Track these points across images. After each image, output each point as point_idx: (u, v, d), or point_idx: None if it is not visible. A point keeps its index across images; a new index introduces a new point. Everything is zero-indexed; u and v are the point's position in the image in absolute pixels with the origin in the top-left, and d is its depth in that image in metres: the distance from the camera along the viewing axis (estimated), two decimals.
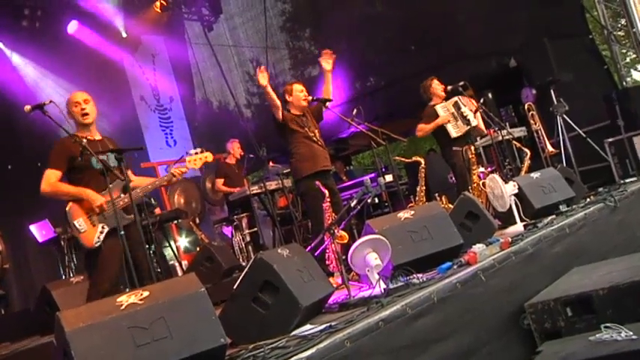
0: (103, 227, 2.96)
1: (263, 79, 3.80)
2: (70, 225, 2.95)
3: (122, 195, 3.02)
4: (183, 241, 7.40)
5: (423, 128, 4.90)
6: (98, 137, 3.16)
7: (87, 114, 3.06)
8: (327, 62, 4.04)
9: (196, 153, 3.25)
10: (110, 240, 2.94)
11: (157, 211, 5.13)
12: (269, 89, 3.85)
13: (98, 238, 2.94)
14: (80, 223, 2.95)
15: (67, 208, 2.97)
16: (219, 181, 5.87)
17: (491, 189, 3.77)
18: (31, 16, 6.84)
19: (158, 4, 8.00)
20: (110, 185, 2.93)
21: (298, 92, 4.07)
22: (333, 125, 6.94)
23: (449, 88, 4.95)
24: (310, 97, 4.08)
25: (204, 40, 8.95)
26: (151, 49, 8.57)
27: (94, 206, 2.94)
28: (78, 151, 2.96)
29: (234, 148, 5.97)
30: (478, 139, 5.46)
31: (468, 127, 4.81)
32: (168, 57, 8.85)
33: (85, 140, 2.95)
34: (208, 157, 3.29)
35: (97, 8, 7.28)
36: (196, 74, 9.17)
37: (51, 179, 2.97)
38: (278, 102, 3.94)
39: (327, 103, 4.09)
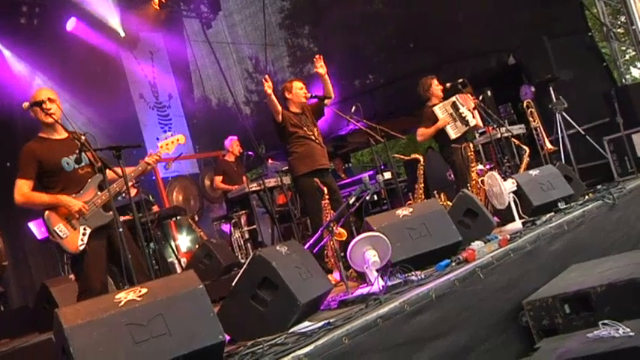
0: (85, 229, 2.86)
1: (269, 88, 3.88)
2: (50, 232, 2.84)
3: (99, 193, 2.92)
4: (184, 240, 7.40)
5: (424, 133, 4.90)
6: (64, 135, 2.98)
7: (52, 113, 2.90)
8: (321, 67, 4.05)
9: (166, 138, 3.16)
10: (94, 241, 2.87)
11: (155, 208, 5.13)
12: (272, 97, 3.93)
13: (82, 241, 2.84)
14: (61, 228, 2.84)
15: (44, 216, 2.86)
16: (218, 179, 5.87)
17: (489, 186, 3.77)
18: (29, 13, 6.81)
19: (157, 1, 7.97)
20: (89, 181, 2.86)
21: (298, 89, 4.10)
22: (332, 122, 6.94)
23: (448, 85, 4.94)
24: (310, 94, 4.09)
25: (202, 38, 8.92)
26: (149, 47, 8.53)
27: (72, 212, 2.83)
28: (46, 154, 2.86)
29: (233, 146, 5.97)
30: (477, 135, 5.46)
31: (467, 127, 4.81)
32: (167, 54, 8.81)
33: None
34: (180, 139, 3.19)
35: (95, 5, 7.26)
36: (195, 71, 9.15)
37: (23, 189, 2.86)
38: (279, 107, 4.01)
39: (327, 100, 4.10)
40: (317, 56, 4.10)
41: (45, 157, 2.88)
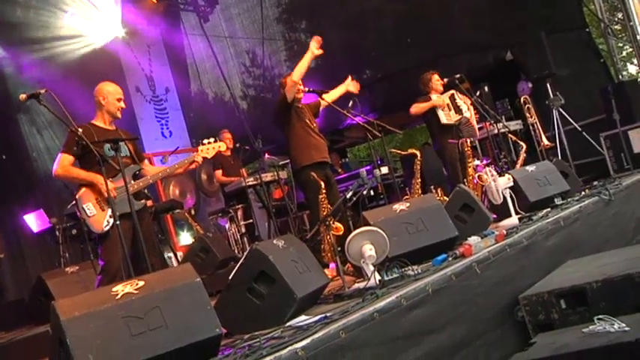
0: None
1: (317, 49, 3.81)
2: (79, 208, 3.03)
3: (132, 182, 3.13)
4: (180, 233, 7.40)
5: (417, 105, 4.89)
6: (112, 127, 3.28)
7: (122, 110, 3.24)
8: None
9: (209, 142, 3.31)
10: (119, 224, 2.97)
11: (149, 203, 5.10)
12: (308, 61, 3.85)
13: (107, 222, 3.02)
14: (89, 207, 3.03)
15: (77, 194, 3.07)
16: (218, 173, 5.84)
17: (486, 182, 3.77)
18: (25, 4, 6.76)
19: None
20: (127, 170, 3.04)
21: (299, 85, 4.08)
22: (329, 117, 6.92)
23: (445, 80, 4.95)
24: (307, 89, 4.09)
25: (200, 31, 8.87)
26: (146, 40, 8.48)
27: (103, 191, 3.00)
28: (91, 139, 3.05)
29: (225, 139, 5.94)
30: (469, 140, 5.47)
31: (460, 116, 4.81)
32: (164, 47, 8.76)
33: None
34: (222, 146, 3.38)
35: None
36: (192, 65, 9.11)
37: (64, 163, 3.09)
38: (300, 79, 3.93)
39: (323, 103, 4.10)
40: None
41: (91, 140, 3.05)
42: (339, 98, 4.28)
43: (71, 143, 3.08)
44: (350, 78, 4.25)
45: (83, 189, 3.08)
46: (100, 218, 3.03)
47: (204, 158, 3.34)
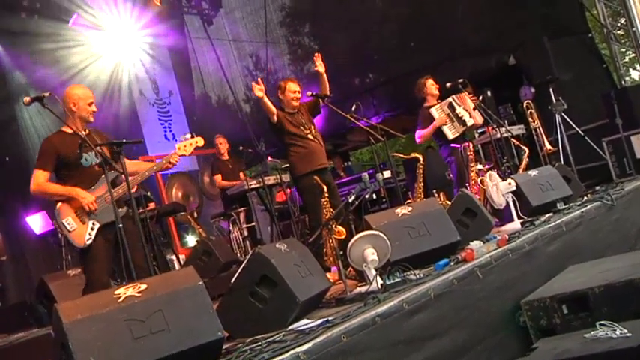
0: (93, 224, 2.95)
1: (259, 91, 3.87)
2: (59, 224, 2.94)
3: (113, 189, 2.98)
4: (183, 236, 7.43)
5: (423, 135, 4.91)
6: (87, 132, 3.12)
7: (94, 114, 3.08)
8: (320, 65, 4.09)
9: (186, 139, 3.20)
10: (102, 236, 2.95)
11: (152, 205, 5.13)
12: (265, 99, 3.93)
13: (89, 235, 2.93)
14: (69, 221, 2.93)
15: (56, 208, 2.97)
16: (218, 178, 5.87)
17: (489, 186, 3.78)
18: (30, 8, 6.82)
19: None
20: (102, 178, 2.93)
21: (290, 92, 4.10)
22: (331, 121, 6.95)
23: (448, 85, 4.94)
24: (309, 93, 4.11)
25: (203, 34, 8.93)
26: (150, 43, 8.56)
27: (84, 205, 2.92)
28: (66, 148, 2.95)
29: (219, 144, 5.97)
30: (477, 135, 5.46)
31: (464, 127, 4.82)
32: (168, 51, 8.83)
33: (83, 133, 2.96)
34: (199, 141, 3.23)
35: (96, 1, 7.26)
36: (195, 68, 9.17)
37: (39, 180, 2.97)
38: (273, 108, 4.02)
39: (325, 99, 4.11)
40: (316, 55, 4.13)
41: (65, 151, 2.98)
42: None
43: (46, 158, 2.96)
44: (315, 55, 4.21)
45: (60, 204, 2.96)
46: (81, 232, 2.93)
47: (181, 156, 3.19)
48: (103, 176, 2.97)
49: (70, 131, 3.02)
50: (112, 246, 2.92)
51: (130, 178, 2.93)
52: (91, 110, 3.07)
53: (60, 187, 2.98)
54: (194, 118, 8.98)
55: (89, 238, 2.93)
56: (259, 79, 3.99)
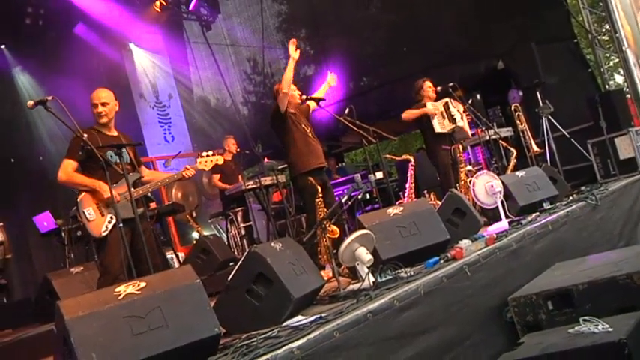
0: (111, 218, 3.09)
1: (296, 53, 3.94)
2: (79, 213, 3.08)
3: (132, 189, 3.14)
4: (182, 235, 7.47)
5: (409, 112, 4.95)
6: (115, 134, 3.31)
7: (102, 115, 3.22)
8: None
9: (207, 155, 3.41)
10: (118, 230, 3.02)
11: (153, 205, 5.17)
12: (294, 64, 3.96)
13: (106, 227, 3.08)
14: (90, 212, 3.09)
15: (79, 198, 3.11)
16: (216, 177, 5.91)
17: (477, 186, 3.85)
18: (34, 14, 6.85)
19: (158, 3, 8.05)
20: (127, 177, 3.07)
21: (292, 91, 4.15)
22: (326, 123, 7.02)
23: (439, 88, 5.04)
24: (303, 96, 4.16)
25: (202, 40, 9.05)
26: (150, 48, 8.63)
27: (105, 198, 3.06)
28: (96, 144, 3.09)
29: (229, 145, 6.02)
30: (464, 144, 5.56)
31: (454, 125, 4.90)
32: (168, 55, 8.93)
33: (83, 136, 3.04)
34: (219, 160, 3.49)
35: (98, 7, 7.29)
36: (194, 72, 9.28)
37: (68, 169, 3.12)
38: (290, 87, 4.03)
39: (321, 103, 4.18)
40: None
41: (95, 145, 3.07)
42: (337, 101, 4.37)
43: (75, 149, 3.12)
44: (329, 73, 4.36)
45: (84, 194, 3.12)
46: (99, 223, 3.09)
47: (200, 170, 3.42)
48: (130, 175, 3.13)
49: (100, 129, 3.24)
50: (128, 240, 3.02)
51: (148, 186, 3.23)
52: (95, 112, 3.24)
53: (86, 178, 3.12)
54: (193, 120, 9.07)
55: (105, 230, 3.08)
56: (294, 40, 4.00)
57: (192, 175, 3.36)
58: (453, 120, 4.90)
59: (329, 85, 4.38)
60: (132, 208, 2.91)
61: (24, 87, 6.86)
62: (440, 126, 4.88)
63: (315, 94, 4.28)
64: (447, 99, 4.97)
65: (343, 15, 7.98)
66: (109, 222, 3.08)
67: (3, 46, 6.97)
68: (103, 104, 3.23)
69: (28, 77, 6.93)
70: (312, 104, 4.27)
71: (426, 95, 5.03)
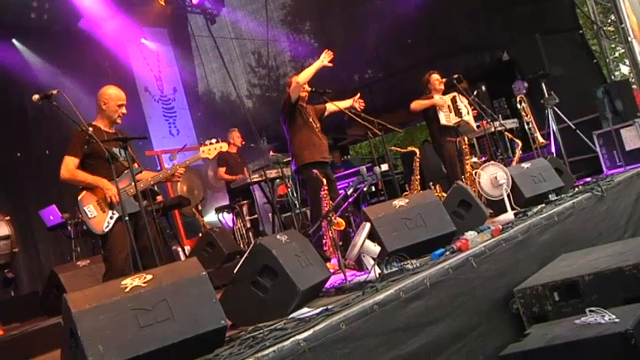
0: (113, 213, 3.08)
1: (328, 61, 3.97)
2: (80, 211, 3.07)
3: (132, 184, 3.14)
4: (188, 228, 7.52)
5: (418, 102, 4.96)
6: (113, 130, 3.30)
7: (123, 115, 3.24)
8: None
9: (211, 143, 3.33)
10: (119, 225, 3.06)
11: (159, 198, 5.19)
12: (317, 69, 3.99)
13: (107, 223, 3.07)
14: (90, 209, 3.07)
15: (79, 196, 3.09)
16: (222, 170, 5.92)
17: (483, 178, 3.84)
18: (39, 8, 6.85)
19: None
20: (125, 172, 3.09)
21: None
22: (332, 116, 7.03)
23: (444, 80, 5.02)
24: (308, 88, 4.17)
25: (206, 33, 9.07)
26: (155, 41, 8.64)
27: (107, 195, 3.06)
28: (99, 138, 3.06)
29: (234, 137, 6.02)
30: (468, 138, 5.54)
31: (459, 119, 4.90)
32: (172, 49, 8.94)
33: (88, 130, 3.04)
34: (223, 146, 3.38)
35: (102, 1, 7.28)
36: (199, 66, 9.30)
37: (69, 166, 3.10)
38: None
39: (325, 94, 4.18)
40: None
41: (94, 143, 3.06)
42: (341, 95, 4.36)
43: (77, 144, 3.09)
44: (358, 95, 4.36)
45: (84, 192, 3.10)
46: (100, 220, 3.07)
47: (205, 159, 3.37)
48: (126, 172, 3.11)
49: (101, 125, 3.20)
50: (130, 236, 3.02)
51: (150, 179, 3.20)
52: (120, 112, 3.23)
53: (88, 175, 3.10)
54: (198, 113, 9.12)
55: (107, 226, 3.06)
56: (331, 52, 4.05)
57: (182, 173, 3.30)
58: (459, 114, 4.90)
59: (352, 104, 4.33)
60: (138, 200, 2.91)
61: (29, 81, 6.84)
62: (445, 118, 4.88)
63: (337, 103, 4.28)
64: (454, 93, 4.96)
65: (347, 7, 7.96)
66: (111, 217, 3.07)
67: (13, 40, 6.98)
68: (126, 105, 3.26)
69: (33, 71, 6.91)
70: (330, 107, 4.29)
71: (433, 88, 5.03)
